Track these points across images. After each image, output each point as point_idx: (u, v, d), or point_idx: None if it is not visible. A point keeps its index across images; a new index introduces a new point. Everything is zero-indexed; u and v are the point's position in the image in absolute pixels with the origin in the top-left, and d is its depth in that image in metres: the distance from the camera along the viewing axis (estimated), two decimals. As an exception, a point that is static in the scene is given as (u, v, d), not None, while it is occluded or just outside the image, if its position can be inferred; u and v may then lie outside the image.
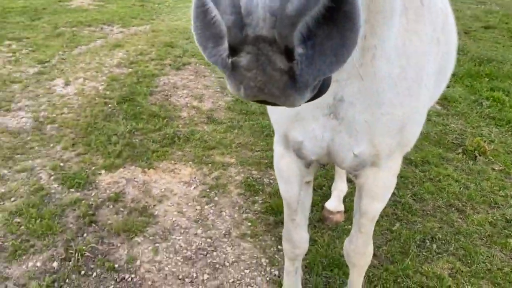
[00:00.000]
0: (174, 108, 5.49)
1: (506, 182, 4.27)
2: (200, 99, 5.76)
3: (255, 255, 3.26)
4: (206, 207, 3.75)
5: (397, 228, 3.55)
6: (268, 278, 3.07)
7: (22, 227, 3.39)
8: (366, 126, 1.69)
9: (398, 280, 3.06)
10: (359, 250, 2.37)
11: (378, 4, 1.39)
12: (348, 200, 3.78)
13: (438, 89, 2.24)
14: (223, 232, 3.47)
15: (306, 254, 2.70)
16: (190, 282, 3.00)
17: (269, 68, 0.76)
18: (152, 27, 8.99)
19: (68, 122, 4.98)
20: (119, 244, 3.30)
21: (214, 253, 3.25)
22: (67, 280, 2.97)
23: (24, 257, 3.13)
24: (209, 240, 3.38)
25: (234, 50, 0.77)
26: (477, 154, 4.65)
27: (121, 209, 3.66)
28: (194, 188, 3.99)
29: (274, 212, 3.67)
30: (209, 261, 3.18)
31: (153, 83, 6.18)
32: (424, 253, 3.33)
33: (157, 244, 3.30)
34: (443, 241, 3.45)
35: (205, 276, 3.05)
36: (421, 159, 4.52)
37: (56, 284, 2.93)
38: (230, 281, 3.03)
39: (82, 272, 3.04)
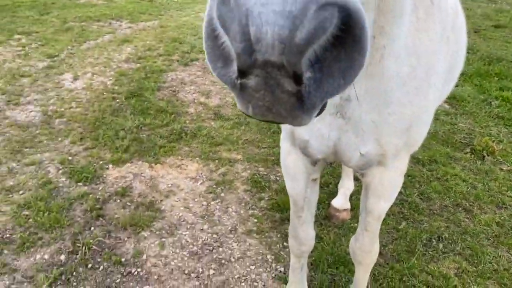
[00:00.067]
0: (182, 104, 5.51)
1: (514, 182, 4.24)
2: (207, 95, 5.77)
3: (261, 252, 3.26)
4: (212, 203, 3.76)
5: (403, 227, 3.55)
6: (273, 275, 3.07)
7: (30, 220, 3.42)
8: (373, 126, 1.68)
9: (404, 279, 3.06)
10: (365, 249, 2.37)
11: (388, 3, 1.38)
12: (355, 198, 3.78)
13: (446, 88, 2.23)
14: (229, 228, 3.48)
15: (312, 251, 2.70)
16: (196, 277, 3.01)
17: (277, 90, 0.77)
18: (160, 23, 9.01)
19: (77, 117, 5.01)
20: (126, 238, 3.32)
21: (220, 249, 3.26)
22: (74, 273, 3.00)
23: (32, 250, 3.16)
24: (215, 235, 3.39)
25: (243, 73, 0.77)
26: (485, 154, 4.62)
27: (128, 203, 3.68)
28: (201, 183, 4.00)
29: (280, 209, 3.67)
30: (215, 256, 3.20)
31: (161, 78, 6.20)
32: (430, 252, 3.32)
33: (163, 239, 3.32)
34: (450, 241, 3.43)
35: (211, 272, 3.06)
36: (428, 158, 4.50)
37: (63, 277, 2.96)
38: (236, 276, 3.04)
39: (89, 265, 3.07)
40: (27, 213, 3.49)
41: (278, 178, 4.10)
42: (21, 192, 3.73)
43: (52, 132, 4.69)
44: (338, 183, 3.84)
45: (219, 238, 3.37)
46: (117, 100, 5.47)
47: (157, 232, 3.39)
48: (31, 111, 5.10)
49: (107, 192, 3.81)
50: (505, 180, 4.23)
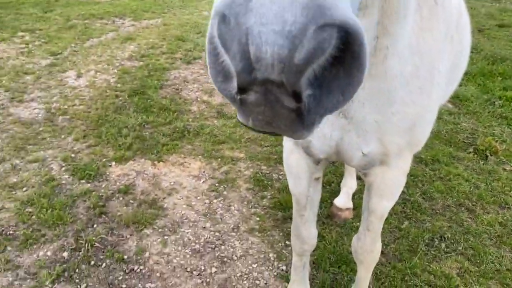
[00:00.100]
0: (185, 102, 5.51)
1: (517, 182, 4.23)
2: (210, 94, 5.77)
3: (263, 250, 3.27)
4: (215, 201, 3.76)
5: (405, 226, 3.54)
6: (275, 273, 3.08)
7: (34, 216, 3.43)
8: (376, 126, 1.68)
9: (406, 278, 3.06)
10: (367, 248, 2.37)
11: (391, 5, 1.38)
12: (357, 197, 3.78)
13: (450, 88, 2.23)
14: (232, 226, 3.49)
15: (314, 250, 2.70)
16: (198, 275, 3.02)
17: (277, 106, 0.77)
18: (163, 21, 9.01)
19: (80, 114, 5.02)
20: (128, 236, 3.33)
21: (222, 247, 3.27)
22: (77, 270, 3.01)
23: (35, 246, 3.17)
24: (217, 233, 3.40)
25: (242, 89, 0.77)
26: (488, 154, 4.60)
27: (131, 201, 3.69)
28: (203, 182, 4.01)
29: (283, 207, 3.67)
30: (217, 254, 3.20)
31: (164, 76, 6.21)
32: (432, 252, 3.32)
33: (166, 237, 3.33)
34: (452, 241, 3.43)
35: (213, 269, 3.07)
36: (431, 157, 4.49)
37: (66, 274, 2.97)
38: (238, 275, 3.05)
39: (92, 263, 3.08)
40: (30, 210, 3.50)
41: (280, 177, 4.10)
42: (24, 189, 3.75)
43: (55, 130, 4.70)
44: (340, 182, 3.83)
45: (221, 236, 3.38)
46: (120, 98, 5.47)
47: (160, 230, 3.40)
48: (34, 108, 5.11)
49: (110, 190, 3.82)
50: (508, 180, 4.22)
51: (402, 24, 1.46)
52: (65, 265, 3.03)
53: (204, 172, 4.14)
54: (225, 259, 3.17)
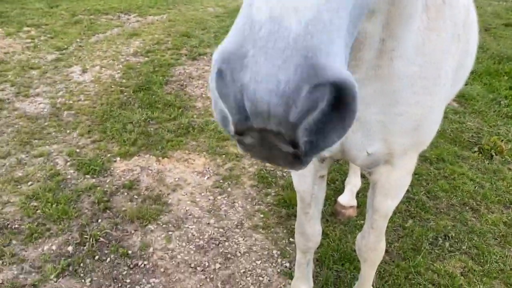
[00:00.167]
0: (189, 98, 5.52)
1: (522, 182, 4.21)
2: (215, 90, 5.76)
3: (267, 247, 3.28)
4: (219, 197, 3.77)
5: (409, 225, 3.54)
6: (279, 270, 3.09)
7: (39, 211, 3.45)
8: (381, 126, 1.67)
9: (409, 277, 3.06)
10: (371, 246, 2.37)
11: (399, 8, 1.37)
12: (361, 195, 3.78)
13: (456, 87, 2.21)
14: (235, 223, 3.49)
15: (317, 248, 2.71)
16: (202, 270, 3.03)
17: (274, 149, 0.79)
18: (169, 17, 9.01)
19: (85, 109, 5.04)
20: (132, 231, 3.34)
21: (226, 243, 3.28)
22: (81, 264, 3.02)
23: (40, 240, 3.19)
24: (221, 230, 3.40)
25: (240, 134, 0.79)
26: (494, 153, 4.59)
27: (135, 196, 3.71)
28: (208, 178, 4.01)
29: (287, 204, 3.68)
30: (221, 250, 3.21)
31: (169, 72, 6.21)
32: (436, 251, 3.31)
33: (170, 232, 3.34)
34: (456, 240, 3.42)
35: (217, 266, 3.08)
36: (436, 156, 4.48)
37: (71, 268, 2.99)
38: (242, 271, 3.05)
39: (96, 257, 3.09)
40: (35, 204, 3.52)
41: (284, 174, 4.11)
42: (29, 183, 3.77)
43: (60, 124, 4.72)
44: (345, 180, 3.83)
45: (225, 232, 3.39)
46: (125, 94, 5.49)
47: (164, 226, 3.41)
48: (40, 103, 5.13)
49: (115, 185, 3.83)
50: (513, 180, 4.21)
51: (408, 26, 1.45)
52: (69, 259, 3.05)
53: (208, 168, 4.15)
54: (229, 256, 3.17)
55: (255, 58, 0.67)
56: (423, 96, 1.64)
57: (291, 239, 3.32)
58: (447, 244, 3.38)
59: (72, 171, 3.97)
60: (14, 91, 5.36)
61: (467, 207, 3.81)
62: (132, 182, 3.86)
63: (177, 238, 3.30)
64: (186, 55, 6.92)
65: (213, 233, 3.37)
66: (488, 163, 4.46)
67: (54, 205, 3.48)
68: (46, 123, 4.72)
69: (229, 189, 3.88)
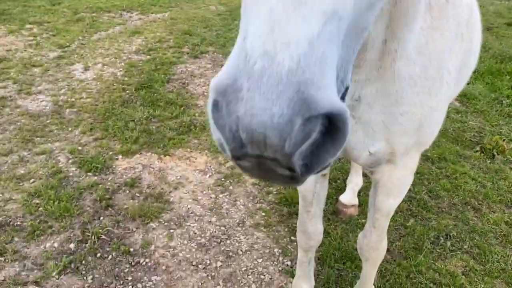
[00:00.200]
0: (191, 96, 5.52)
1: (524, 182, 4.21)
2: (217, 88, 5.76)
3: (268, 245, 3.28)
4: (220, 195, 3.78)
5: (411, 224, 3.54)
6: (280, 268, 3.09)
7: (41, 208, 3.46)
8: (383, 126, 1.67)
9: (411, 276, 3.06)
10: (373, 245, 2.37)
11: (401, 9, 1.37)
12: (363, 194, 3.78)
13: (459, 86, 2.21)
14: (237, 221, 3.50)
15: (319, 246, 2.71)
16: (203, 268, 3.04)
17: (271, 172, 0.81)
18: (171, 15, 9.00)
19: (87, 107, 5.04)
20: (134, 229, 3.35)
21: (228, 241, 3.28)
22: (83, 262, 3.03)
23: (42, 238, 3.20)
24: (223, 228, 3.41)
25: (237, 158, 0.81)
26: (495, 153, 4.58)
27: (137, 194, 3.71)
28: (209, 176, 4.02)
29: (288, 203, 3.68)
30: (222, 248, 3.22)
31: (171, 70, 6.21)
32: (437, 250, 3.32)
33: (171, 230, 3.35)
34: (458, 239, 3.43)
35: (218, 264, 3.09)
36: (438, 155, 4.47)
37: (72, 265, 3.00)
38: (243, 269, 3.06)
39: (98, 255, 3.10)
40: (37, 201, 3.53)
41: (286, 173, 4.10)
42: (31, 180, 3.77)
43: (62, 122, 4.72)
44: (346, 178, 3.83)
45: (227, 230, 3.39)
46: (127, 91, 5.49)
47: (166, 224, 3.41)
48: (42, 101, 5.13)
49: (116, 183, 3.84)
50: (514, 180, 4.20)
51: (411, 27, 1.45)
52: (71, 257, 3.05)
53: (210, 166, 4.15)
54: (231, 254, 3.18)
55: (249, 92, 0.69)
56: (426, 96, 1.64)
57: (292, 238, 3.32)
58: (448, 243, 3.38)
59: (74, 169, 3.97)
60: (16, 88, 5.36)
61: (468, 207, 3.81)
62: (134, 180, 3.87)
63: (179, 236, 3.31)
64: (188, 53, 6.92)
65: (215, 231, 3.37)
66: (490, 163, 4.46)
67: (56, 203, 3.49)
68: (48, 121, 4.72)
69: (230, 187, 3.88)
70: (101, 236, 3.24)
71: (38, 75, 5.77)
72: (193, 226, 3.40)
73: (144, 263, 3.06)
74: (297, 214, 2.52)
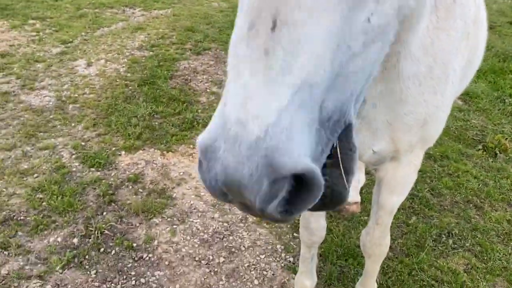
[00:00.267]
0: (194, 93, 5.52)
1: (526, 180, 4.21)
2: (219, 85, 5.78)
3: (271, 241, 3.29)
4: (223, 192, 3.78)
5: (413, 221, 3.55)
6: (283, 264, 3.10)
7: (44, 203, 3.47)
8: (387, 125, 1.67)
9: (413, 273, 3.07)
10: (376, 242, 2.38)
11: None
12: (365, 191, 3.79)
13: (463, 84, 2.21)
14: (240, 217, 3.51)
15: (321, 243, 2.72)
16: (206, 264, 3.05)
17: (256, 212, 0.88)
18: (173, 11, 8.99)
19: (90, 103, 5.05)
20: (137, 224, 3.36)
21: (231, 237, 3.30)
22: (86, 256, 3.05)
23: (45, 232, 3.22)
24: (225, 224, 3.42)
25: (226, 201, 0.92)
26: (498, 152, 4.59)
27: (140, 190, 3.72)
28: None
29: (291, 200, 3.68)
30: (225, 244, 3.23)
31: (174, 67, 6.21)
32: (439, 247, 3.33)
33: (174, 226, 3.36)
34: (460, 237, 3.43)
35: (221, 259, 3.10)
36: (440, 154, 4.48)
37: (76, 260, 3.01)
38: (246, 265, 3.07)
39: (102, 249, 3.12)
40: (41, 196, 3.54)
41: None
42: (35, 175, 3.79)
43: (65, 118, 4.73)
44: (349, 176, 3.83)
45: (229, 226, 3.40)
46: (130, 87, 5.49)
47: (169, 219, 3.43)
48: (45, 96, 5.14)
49: (119, 178, 3.85)
50: (517, 178, 4.21)
51: (415, 30, 1.44)
52: (75, 251, 3.07)
53: (212, 163, 4.15)
54: (233, 250, 3.19)
55: (225, 154, 0.79)
56: (431, 95, 1.63)
57: (295, 234, 3.33)
58: (450, 241, 3.39)
59: (77, 164, 3.99)
60: (20, 83, 5.37)
61: (471, 205, 3.81)
62: (137, 175, 3.88)
63: (182, 231, 3.32)
64: (190, 49, 6.91)
65: (218, 227, 3.38)
66: (492, 161, 4.46)
67: (59, 198, 3.50)
68: (51, 116, 4.73)
69: (233, 184, 3.88)
70: (104, 231, 3.25)
71: (41, 71, 5.78)
72: (196, 222, 3.42)
73: (147, 258, 3.08)
74: (300, 211, 2.53)
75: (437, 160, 4.40)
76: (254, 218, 3.49)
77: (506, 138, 4.77)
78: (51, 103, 5.01)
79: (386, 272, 3.06)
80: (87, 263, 3.01)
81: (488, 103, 5.72)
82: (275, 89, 0.77)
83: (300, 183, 0.81)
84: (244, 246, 3.23)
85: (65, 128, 4.54)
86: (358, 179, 3.73)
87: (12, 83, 5.37)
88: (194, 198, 3.67)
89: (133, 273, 2.96)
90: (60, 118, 4.70)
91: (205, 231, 3.33)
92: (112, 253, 3.10)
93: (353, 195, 3.64)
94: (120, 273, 2.96)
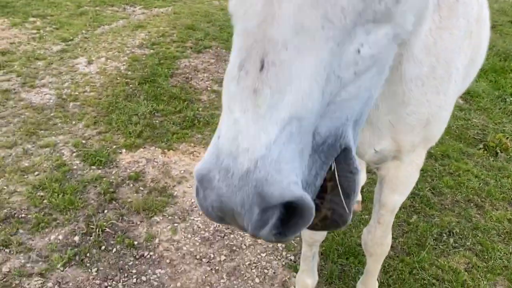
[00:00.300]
0: (195, 91, 5.52)
1: (527, 180, 4.21)
2: (220, 83, 5.76)
3: (272, 240, 3.29)
4: (224, 190, 3.78)
5: (414, 220, 3.55)
6: (283, 263, 3.10)
7: (45, 201, 3.47)
8: (390, 125, 1.67)
9: (414, 272, 3.07)
10: (377, 241, 2.38)
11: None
12: (366, 190, 3.79)
13: (466, 82, 2.21)
14: (241, 215, 3.50)
15: (322, 241, 2.72)
16: (207, 262, 3.05)
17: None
18: (174, 9, 8.98)
19: (90, 100, 5.05)
20: (138, 222, 3.36)
21: (231, 236, 3.30)
22: (88, 254, 3.05)
23: (46, 230, 3.22)
24: (226, 222, 3.42)
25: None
26: (499, 151, 4.59)
27: (141, 188, 3.72)
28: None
29: (292, 198, 3.68)
30: (226, 243, 3.23)
31: (174, 65, 6.21)
32: (440, 246, 3.33)
33: (175, 224, 3.36)
34: (460, 236, 3.44)
35: (222, 258, 3.10)
36: (441, 153, 4.48)
37: (77, 257, 3.01)
38: (247, 263, 3.07)
39: (103, 247, 3.12)
40: (42, 194, 3.54)
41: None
42: (36, 173, 3.78)
43: (66, 115, 4.73)
44: (350, 174, 3.83)
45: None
46: (131, 85, 5.49)
47: (170, 217, 3.43)
48: (45, 94, 5.14)
49: (120, 176, 3.85)
50: (517, 178, 4.21)
51: (418, 32, 1.44)
52: (76, 249, 3.07)
53: (213, 161, 4.15)
54: (234, 248, 3.19)
55: (219, 184, 0.84)
56: (434, 95, 1.63)
57: (296, 233, 3.33)
58: (451, 240, 3.39)
59: (78, 162, 3.98)
60: (20, 81, 5.37)
61: (471, 204, 3.82)
62: (137, 173, 3.88)
63: (183, 230, 3.32)
64: (191, 48, 6.90)
65: (218, 226, 3.38)
66: (493, 160, 4.46)
67: (60, 195, 3.50)
68: (52, 114, 4.73)
69: (234, 182, 3.88)
70: (105, 229, 3.25)
71: (41, 68, 5.77)
72: (197, 220, 3.41)
73: (148, 256, 3.08)
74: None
75: (438, 159, 4.40)
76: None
77: (507, 137, 4.77)
78: (51, 101, 5.00)
79: (387, 271, 3.06)
80: (88, 261, 3.01)
81: (489, 102, 5.72)
82: (263, 125, 0.81)
83: (291, 209, 0.85)
84: (245, 244, 3.23)
85: (65, 126, 4.53)
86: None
87: (12, 81, 5.36)
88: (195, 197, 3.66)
89: (134, 271, 2.97)
90: (60, 116, 4.70)
91: (206, 229, 3.33)
92: (113, 251, 3.10)
93: (354, 194, 3.63)
94: (121, 271, 2.96)
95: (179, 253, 3.11)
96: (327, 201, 0.96)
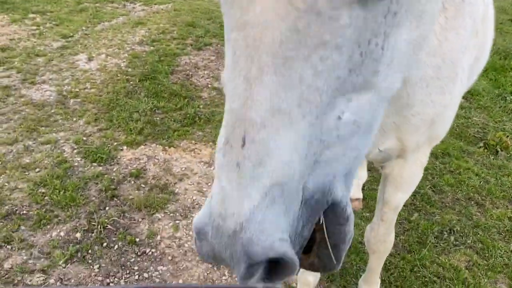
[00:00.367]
0: (195, 88, 5.51)
1: (527, 178, 4.22)
2: (221, 80, 5.77)
3: (273, 237, 3.29)
4: (225, 187, 3.78)
5: (415, 218, 3.56)
6: (285, 260, 3.10)
7: (46, 197, 3.47)
8: (395, 126, 1.67)
9: (415, 270, 3.08)
10: (380, 238, 2.38)
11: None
12: (367, 188, 3.79)
13: (470, 81, 2.21)
14: (242, 213, 3.50)
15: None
16: (209, 259, 3.05)
17: None
18: (174, 6, 8.96)
19: (91, 97, 5.04)
20: (140, 219, 3.36)
21: (233, 233, 3.29)
22: (89, 251, 3.05)
23: (48, 227, 3.22)
24: (228, 220, 3.42)
25: None
26: (499, 149, 4.60)
27: (142, 185, 3.72)
28: (214, 168, 4.02)
29: (293, 196, 3.69)
30: (228, 240, 3.23)
31: (175, 62, 6.20)
32: (441, 244, 3.34)
33: (177, 221, 3.36)
34: (461, 234, 3.45)
35: (224, 255, 3.10)
36: (441, 151, 4.49)
37: (79, 254, 3.01)
38: (248, 261, 3.07)
39: (104, 244, 3.12)
40: (43, 190, 3.54)
41: (290, 166, 4.11)
42: (37, 170, 3.78)
43: (67, 112, 4.72)
44: (351, 172, 3.84)
45: (232, 222, 3.40)
46: (131, 82, 5.48)
47: (171, 214, 3.43)
48: (46, 91, 5.13)
49: (122, 173, 3.85)
50: (518, 176, 4.22)
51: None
52: (78, 246, 3.07)
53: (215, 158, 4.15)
54: (236, 245, 3.19)
55: (212, 239, 0.92)
56: (439, 95, 1.63)
57: (297, 230, 3.33)
58: (452, 238, 3.40)
59: (79, 159, 3.98)
60: (20, 78, 5.35)
61: (472, 202, 3.83)
62: (139, 170, 3.88)
63: (184, 227, 3.32)
64: (191, 45, 6.90)
65: (220, 223, 3.38)
66: (493, 159, 4.47)
67: (61, 192, 3.50)
68: (52, 111, 4.72)
69: (235, 180, 3.88)
70: (107, 226, 3.25)
71: (42, 65, 5.76)
72: (199, 218, 3.41)
73: (150, 253, 3.08)
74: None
75: (439, 157, 4.41)
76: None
77: (507, 136, 4.78)
78: (52, 97, 4.99)
79: (389, 268, 3.07)
80: (90, 258, 3.01)
81: (489, 100, 5.73)
82: (247, 193, 0.88)
83: (276, 262, 0.90)
84: (246, 242, 3.23)
85: (66, 123, 4.53)
86: (360, 176, 3.73)
87: (12, 77, 5.35)
88: (196, 194, 3.67)
89: (136, 267, 2.97)
90: (61, 112, 4.69)
91: (208, 227, 3.33)
92: (115, 248, 3.10)
93: (355, 192, 3.65)
94: (123, 267, 2.96)
95: (180, 250, 3.12)
96: (313, 251, 1.00)
